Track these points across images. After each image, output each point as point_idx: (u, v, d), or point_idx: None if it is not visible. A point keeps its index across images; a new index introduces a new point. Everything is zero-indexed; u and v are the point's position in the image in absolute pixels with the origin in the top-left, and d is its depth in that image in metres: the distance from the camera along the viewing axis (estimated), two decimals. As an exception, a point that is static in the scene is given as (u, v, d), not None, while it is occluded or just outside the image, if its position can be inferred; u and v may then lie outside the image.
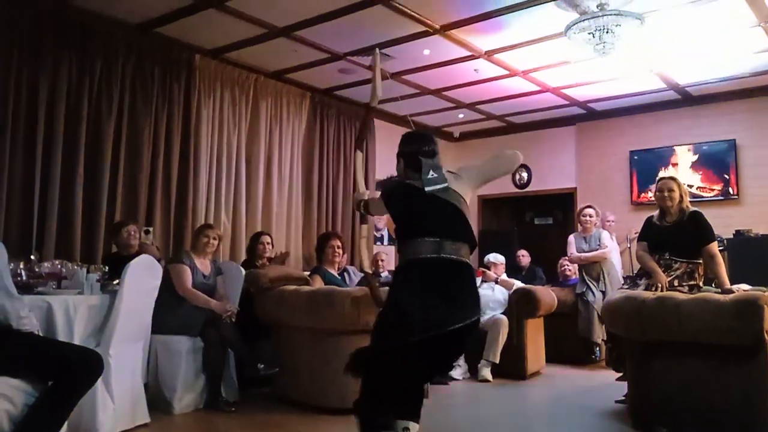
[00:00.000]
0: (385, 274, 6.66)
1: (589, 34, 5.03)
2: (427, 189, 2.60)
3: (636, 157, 7.90)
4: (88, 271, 3.55)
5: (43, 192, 4.77)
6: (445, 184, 2.64)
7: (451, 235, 2.55)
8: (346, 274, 5.32)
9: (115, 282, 3.48)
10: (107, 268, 3.80)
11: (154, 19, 5.29)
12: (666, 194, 4.03)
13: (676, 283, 3.90)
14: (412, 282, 2.53)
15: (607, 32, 4.97)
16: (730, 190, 7.25)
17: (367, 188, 2.79)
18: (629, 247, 7.00)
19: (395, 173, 2.97)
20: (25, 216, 4.65)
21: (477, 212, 9.36)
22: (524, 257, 7.38)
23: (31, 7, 4.79)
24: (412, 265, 2.54)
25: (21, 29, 4.71)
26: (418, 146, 2.76)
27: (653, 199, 7.31)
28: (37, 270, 3.36)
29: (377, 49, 3.04)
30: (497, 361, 5.24)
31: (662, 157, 7.69)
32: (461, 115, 8.38)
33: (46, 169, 4.80)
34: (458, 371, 5.25)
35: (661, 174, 6.93)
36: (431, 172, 2.66)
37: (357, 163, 3.22)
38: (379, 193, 2.92)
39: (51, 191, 4.80)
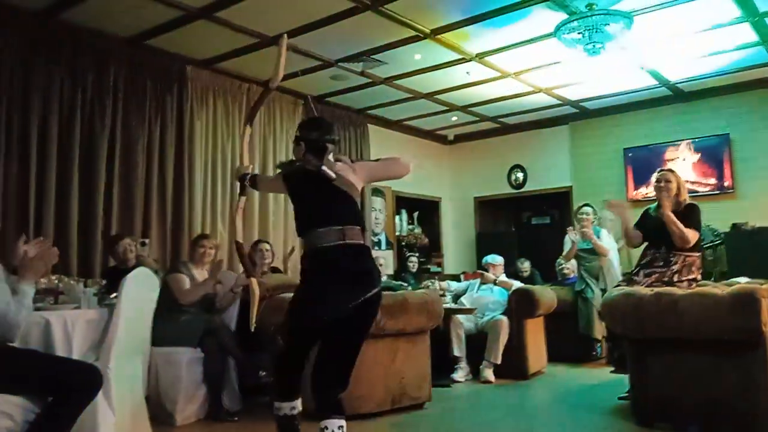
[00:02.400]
0: (384, 278, 6.66)
1: (578, 33, 5.06)
2: (329, 176, 2.71)
3: (630, 155, 7.92)
4: (85, 286, 3.54)
5: (38, 207, 4.77)
6: (342, 174, 2.76)
7: (351, 222, 2.72)
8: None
9: (112, 296, 3.46)
10: (104, 281, 3.79)
11: (145, 32, 5.31)
12: (663, 185, 4.04)
13: (675, 278, 3.90)
14: (324, 266, 2.69)
15: (596, 32, 5.00)
16: (726, 183, 7.27)
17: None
18: (620, 249, 7.00)
19: None
20: (21, 231, 4.62)
21: (474, 214, 9.37)
22: (525, 270, 7.29)
23: (22, 23, 4.79)
24: (321, 251, 2.68)
25: (12, 45, 4.72)
26: (322, 133, 2.82)
27: (649, 195, 7.40)
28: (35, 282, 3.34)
29: (284, 35, 3.14)
30: (499, 362, 5.24)
31: (656, 153, 7.72)
32: (454, 118, 8.40)
33: (41, 184, 4.81)
34: (460, 373, 5.24)
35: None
36: (332, 161, 2.78)
37: (245, 137, 3.25)
38: (278, 172, 3.02)
39: (46, 206, 4.80)
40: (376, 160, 3.11)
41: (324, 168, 2.70)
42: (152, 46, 5.57)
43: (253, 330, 3.04)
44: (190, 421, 3.93)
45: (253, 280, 2.97)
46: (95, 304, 3.37)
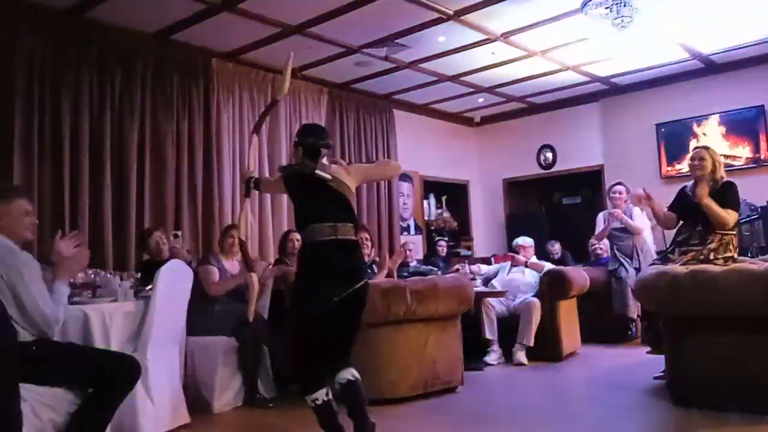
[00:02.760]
0: (414, 263, 6.67)
1: (606, 8, 4.95)
2: (323, 177, 2.98)
3: (663, 130, 7.74)
4: (121, 279, 3.62)
5: (72, 204, 4.89)
6: (337, 176, 3.02)
7: (342, 218, 2.98)
8: (375, 266, 5.33)
9: (147, 288, 3.54)
10: (139, 274, 3.87)
11: (170, 27, 5.36)
12: (697, 163, 3.96)
13: (711, 256, 3.82)
14: (319, 260, 2.95)
15: (624, 5, 4.88)
16: (762, 156, 7.07)
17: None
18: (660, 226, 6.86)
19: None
20: (57, 228, 4.74)
21: (503, 195, 9.29)
22: (556, 253, 7.22)
23: (50, 23, 4.88)
24: (316, 245, 2.95)
25: (41, 45, 4.81)
26: (317, 139, 3.09)
27: (682, 171, 7.24)
28: (71, 281, 3.43)
29: (291, 52, 3.44)
30: (531, 344, 5.21)
31: (689, 127, 7.53)
32: (481, 100, 8.31)
33: (74, 181, 4.92)
34: (493, 356, 5.23)
35: (692, 145, 6.80)
36: (327, 164, 3.07)
37: (252, 145, 3.61)
38: (279, 174, 3.28)
39: (80, 202, 4.91)
40: (370, 163, 3.37)
41: (318, 170, 2.97)
42: (177, 40, 5.63)
43: (251, 320, 3.34)
44: (227, 408, 4.01)
45: (253, 275, 3.20)
46: (131, 297, 3.46)
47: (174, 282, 3.50)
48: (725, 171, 4.09)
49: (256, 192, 4.01)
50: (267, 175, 6.34)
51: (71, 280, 2.85)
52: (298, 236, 5.43)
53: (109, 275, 3.71)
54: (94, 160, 5.06)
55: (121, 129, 5.26)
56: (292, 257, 5.30)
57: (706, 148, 4.09)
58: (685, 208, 4.07)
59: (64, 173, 4.86)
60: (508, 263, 5.90)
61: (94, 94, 5.11)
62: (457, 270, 5.90)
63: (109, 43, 5.22)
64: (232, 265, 4.43)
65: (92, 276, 3.58)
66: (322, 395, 2.92)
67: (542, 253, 6.67)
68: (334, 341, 2.97)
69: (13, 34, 4.67)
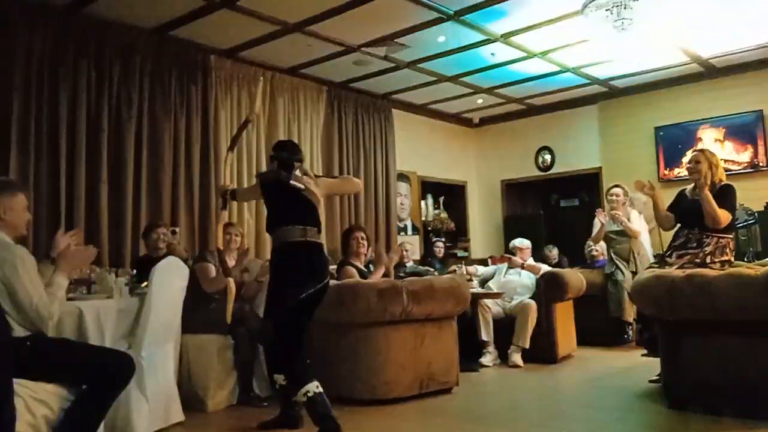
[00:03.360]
0: (410, 264, 6.66)
1: (606, 10, 4.94)
2: (297, 187, 3.35)
3: (661, 133, 7.75)
4: (116, 275, 3.61)
5: (69, 199, 4.87)
6: (307, 185, 3.38)
7: (311, 223, 3.36)
8: (372, 266, 5.32)
9: (143, 285, 3.53)
10: (135, 271, 3.85)
11: (169, 23, 5.35)
12: (692, 166, 3.97)
13: (708, 260, 3.83)
14: (293, 257, 3.31)
15: (624, 8, 4.88)
16: (759, 161, 7.08)
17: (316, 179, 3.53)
18: (651, 229, 6.87)
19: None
20: (53, 224, 4.74)
21: (500, 197, 9.29)
22: (554, 258, 7.20)
23: (48, 17, 4.86)
24: (288, 245, 3.31)
25: (39, 39, 4.79)
26: (291, 154, 3.48)
27: (681, 174, 7.25)
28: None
29: (262, 78, 3.99)
30: (527, 346, 5.21)
31: (688, 131, 7.54)
32: (480, 101, 8.30)
33: (71, 176, 4.90)
34: (488, 357, 5.23)
35: (691, 149, 6.81)
36: (299, 175, 3.40)
37: (227, 161, 3.85)
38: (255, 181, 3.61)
39: (77, 198, 4.90)
40: (334, 178, 4.13)
41: (292, 181, 3.34)
42: (176, 36, 5.61)
43: (228, 322, 3.52)
44: (221, 406, 4.00)
45: (230, 280, 3.44)
46: (127, 294, 3.44)
47: (169, 279, 3.49)
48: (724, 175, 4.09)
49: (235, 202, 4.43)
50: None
51: (71, 275, 2.82)
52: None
53: (104, 272, 3.69)
54: (91, 155, 5.04)
55: (118, 125, 5.24)
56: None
57: (702, 151, 4.10)
58: (683, 211, 4.07)
59: (61, 169, 4.85)
60: (505, 265, 5.89)
61: (92, 89, 5.10)
62: (454, 271, 5.89)
63: (108, 38, 5.20)
64: (229, 262, 4.41)
65: (87, 272, 3.56)
66: (313, 387, 3.13)
67: (539, 258, 6.67)
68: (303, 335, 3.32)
69: (12, 28, 4.66)
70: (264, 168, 6.37)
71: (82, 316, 3.05)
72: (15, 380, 2.20)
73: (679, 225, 4.13)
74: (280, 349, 3.31)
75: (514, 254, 5.91)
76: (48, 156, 4.81)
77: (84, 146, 4.99)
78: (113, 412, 2.73)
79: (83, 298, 3.31)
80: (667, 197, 4.42)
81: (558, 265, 7.04)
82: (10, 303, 2.39)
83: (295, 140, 6.68)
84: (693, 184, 4.05)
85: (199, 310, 4.08)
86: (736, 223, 4.68)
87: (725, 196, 3.88)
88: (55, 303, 2.51)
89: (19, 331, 2.42)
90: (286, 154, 3.46)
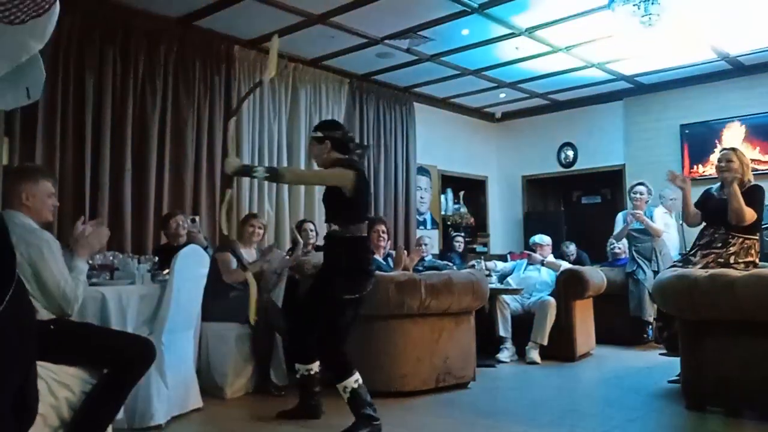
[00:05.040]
0: (429, 258, 6.64)
1: (633, 5, 4.87)
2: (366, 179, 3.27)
3: (687, 131, 7.63)
4: (138, 262, 3.65)
5: (93, 187, 4.93)
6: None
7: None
8: (390, 259, 5.32)
9: (165, 272, 3.57)
10: (157, 258, 3.90)
11: (193, 13, 5.38)
12: (724, 165, 3.91)
13: (731, 260, 3.78)
14: (365, 251, 3.28)
15: (652, 3, 4.80)
16: (788, 161, 6.95)
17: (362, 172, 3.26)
18: (682, 225, 6.77)
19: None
20: (77, 211, 4.80)
21: (521, 193, 9.23)
22: (571, 254, 7.12)
23: (75, 7, 4.91)
24: (364, 240, 3.27)
25: (66, 29, 4.85)
26: (344, 132, 3.31)
27: (706, 173, 7.14)
28: (90, 262, 3.46)
29: (276, 35, 3.38)
30: (545, 343, 5.18)
31: (714, 129, 7.41)
32: (503, 95, 8.24)
33: (96, 164, 4.96)
34: (506, 353, 5.21)
35: (717, 147, 6.71)
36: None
37: (230, 131, 3.56)
38: (348, 168, 3.18)
39: (101, 186, 4.96)
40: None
41: (361, 165, 3.27)
42: (200, 26, 5.64)
43: (252, 322, 3.34)
44: (239, 394, 4.04)
45: (249, 275, 3.18)
46: (149, 280, 3.49)
47: (191, 267, 3.52)
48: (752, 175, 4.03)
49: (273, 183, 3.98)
50: (285, 164, 6.36)
51: (90, 258, 2.86)
52: (312, 227, 5.53)
53: (127, 258, 3.74)
54: (116, 143, 5.10)
55: (142, 113, 5.29)
56: (306, 248, 5.33)
57: (734, 149, 4.04)
58: (709, 210, 4.01)
59: (86, 156, 4.91)
60: (525, 261, 5.86)
61: (117, 77, 5.15)
62: (473, 266, 5.87)
63: (134, 27, 5.25)
64: (250, 253, 4.45)
65: (110, 258, 3.62)
66: (356, 379, 3.12)
67: (557, 254, 6.61)
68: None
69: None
70: (285, 158, 6.40)
71: (104, 301, 3.09)
72: (38, 363, 2.23)
73: (704, 224, 4.07)
74: (333, 341, 3.20)
75: (534, 251, 5.87)
76: (73, 144, 4.88)
77: (109, 134, 5.05)
78: (133, 396, 2.77)
79: (106, 283, 3.36)
80: (692, 195, 4.36)
81: (578, 261, 6.97)
82: (36, 286, 2.42)
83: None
84: (720, 183, 3.99)
85: (219, 299, 4.12)
86: (762, 224, 4.59)
87: (754, 195, 3.84)
88: (80, 286, 2.55)
89: (43, 315, 2.46)
90: (341, 132, 3.30)
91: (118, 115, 5.13)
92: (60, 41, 4.80)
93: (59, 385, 2.37)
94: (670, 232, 6.14)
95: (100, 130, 5.01)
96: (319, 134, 3.26)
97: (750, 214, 3.77)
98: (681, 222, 6.09)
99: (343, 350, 3.17)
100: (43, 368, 2.32)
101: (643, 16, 4.89)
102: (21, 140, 4.58)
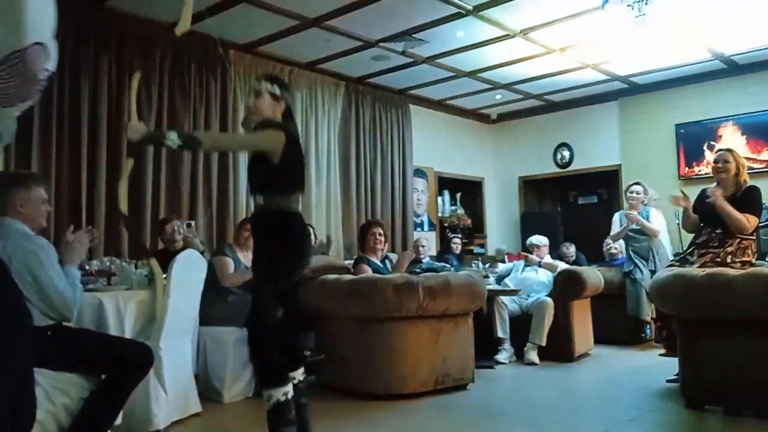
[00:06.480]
0: (426, 259, 6.65)
1: (627, 6, 4.89)
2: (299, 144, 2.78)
3: (682, 131, 7.66)
4: (135, 267, 3.65)
5: (89, 192, 4.93)
6: None
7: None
8: (387, 262, 5.32)
9: (162, 277, 3.56)
10: (154, 263, 3.88)
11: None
12: (721, 165, 3.92)
13: (728, 260, 3.78)
14: (303, 231, 2.76)
15: (645, 3, 4.82)
16: (782, 160, 6.98)
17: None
18: (678, 224, 6.79)
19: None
20: (74, 216, 4.80)
21: (518, 194, 9.25)
22: (571, 255, 7.13)
23: (70, 12, 4.91)
24: (299, 216, 2.73)
25: (61, 36, 4.84)
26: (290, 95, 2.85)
27: (701, 172, 7.16)
28: (87, 268, 3.47)
29: None
30: (543, 344, 5.18)
31: (709, 129, 7.44)
32: (498, 96, 8.26)
33: (92, 169, 4.97)
34: (504, 355, 5.21)
35: (712, 147, 6.73)
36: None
37: (134, 88, 2.92)
38: (278, 129, 2.67)
39: (97, 191, 4.96)
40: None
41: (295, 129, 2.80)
42: (196, 31, 5.63)
43: (159, 316, 3.05)
44: (238, 399, 4.03)
45: (153, 261, 2.86)
46: (146, 286, 3.48)
47: (188, 272, 3.51)
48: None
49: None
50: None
51: (79, 262, 2.85)
52: (309, 231, 5.47)
53: (124, 263, 3.74)
54: (112, 149, 5.10)
55: (138, 118, 5.27)
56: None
57: (730, 150, 4.04)
58: (705, 210, 4.02)
59: (82, 162, 4.91)
60: (522, 262, 5.86)
61: (113, 83, 5.15)
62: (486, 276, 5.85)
63: (128, 32, 5.25)
64: (247, 257, 4.44)
65: (108, 264, 3.61)
66: (285, 392, 2.67)
67: (556, 256, 6.62)
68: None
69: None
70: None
71: (102, 306, 3.09)
72: (36, 369, 2.23)
73: (701, 224, 4.08)
74: (258, 343, 2.72)
75: (531, 251, 5.88)
76: (69, 150, 4.88)
77: (105, 139, 5.05)
78: (132, 401, 2.75)
79: (103, 289, 3.35)
80: (688, 195, 4.37)
81: (576, 263, 6.98)
82: (35, 292, 2.42)
83: (313, 135, 6.71)
84: (717, 183, 4.00)
85: (217, 303, 4.12)
86: (759, 223, 4.61)
87: (751, 199, 3.84)
88: (77, 291, 2.55)
89: (40, 321, 2.46)
90: (289, 97, 2.83)
91: (113, 119, 5.13)
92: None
93: (57, 391, 2.36)
94: (664, 232, 6.14)
95: (96, 134, 5.01)
96: (277, 91, 2.78)
97: (752, 222, 3.78)
98: (677, 222, 6.12)
99: (274, 353, 2.65)
100: (41, 375, 2.31)
101: (636, 17, 4.91)
102: (17, 146, 4.58)
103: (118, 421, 2.71)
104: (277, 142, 2.61)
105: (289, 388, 2.64)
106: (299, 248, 2.71)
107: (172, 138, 2.48)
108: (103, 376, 2.49)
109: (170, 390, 3.33)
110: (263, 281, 2.67)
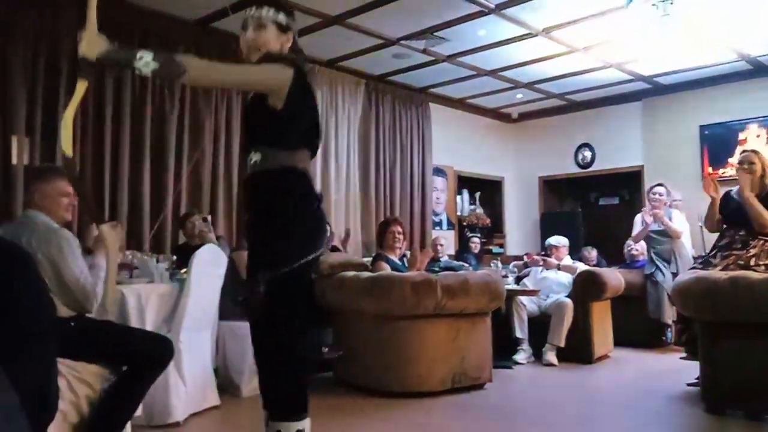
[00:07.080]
0: (445, 258, 6.64)
1: (652, 5, 4.83)
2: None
3: (706, 132, 7.55)
4: (157, 261, 3.69)
5: (113, 187, 5.00)
6: None
7: None
8: (405, 260, 5.32)
9: (183, 271, 3.60)
10: (175, 257, 3.93)
11: (211, 15, 5.42)
12: (746, 167, 3.87)
13: (752, 262, 3.72)
14: (312, 195, 2.14)
15: (671, 3, 4.76)
16: (810, 162, 6.84)
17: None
18: (701, 226, 6.69)
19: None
20: (97, 211, 4.86)
21: (538, 194, 9.19)
22: (592, 260, 7.04)
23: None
24: (305, 177, 2.11)
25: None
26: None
27: (725, 174, 7.05)
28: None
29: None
30: (562, 345, 5.15)
31: (735, 131, 7.32)
32: (519, 96, 8.21)
33: (115, 165, 5.03)
34: (522, 355, 5.18)
35: (737, 149, 6.63)
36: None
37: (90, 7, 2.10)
38: (289, 65, 2.11)
39: (120, 186, 5.02)
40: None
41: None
42: (217, 28, 5.69)
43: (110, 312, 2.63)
44: (256, 392, 4.01)
45: (103, 227, 2.42)
46: (167, 279, 3.52)
47: (209, 266, 3.55)
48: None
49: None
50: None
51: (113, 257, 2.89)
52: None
53: (146, 257, 3.78)
54: (135, 144, 5.16)
55: (161, 115, 5.35)
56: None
57: (755, 151, 4.01)
58: (731, 211, 3.97)
59: (105, 156, 4.98)
60: (540, 266, 5.81)
61: (136, 80, 5.21)
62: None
63: (151, 29, 5.31)
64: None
65: (129, 257, 3.66)
66: (301, 428, 2.14)
67: (578, 258, 6.55)
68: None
69: (60, 17, 4.78)
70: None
71: (124, 299, 3.13)
72: (59, 360, 2.26)
73: (725, 226, 4.03)
74: (285, 364, 2.25)
75: (549, 253, 5.84)
76: (93, 145, 4.94)
77: (128, 135, 5.11)
78: (152, 393, 2.79)
79: (125, 282, 3.40)
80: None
81: (596, 266, 6.90)
82: (56, 284, 2.46)
83: (333, 133, 6.73)
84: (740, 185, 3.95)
85: (236, 298, 4.15)
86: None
87: None
88: (99, 283, 2.58)
89: (63, 312, 2.49)
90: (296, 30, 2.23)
91: (136, 116, 5.19)
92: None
93: (79, 382, 2.39)
94: (686, 234, 6.06)
95: (120, 131, 5.07)
96: (284, 20, 2.24)
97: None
98: (700, 224, 6.03)
99: (305, 378, 2.20)
100: (64, 365, 2.35)
101: (662, 16, 4.85)
102: (42, 138, 4.65)
103: (138, 412, 2.74)
104: (284, 79, 2.03)
105: (307, 424, 2.09)
106: (311, 217, 2.08)
107: (145, 59, 1.86)
108: (125, 368, 2.52)
109: (189, 383, 3.37)
110: (264, 264, 2.05)
